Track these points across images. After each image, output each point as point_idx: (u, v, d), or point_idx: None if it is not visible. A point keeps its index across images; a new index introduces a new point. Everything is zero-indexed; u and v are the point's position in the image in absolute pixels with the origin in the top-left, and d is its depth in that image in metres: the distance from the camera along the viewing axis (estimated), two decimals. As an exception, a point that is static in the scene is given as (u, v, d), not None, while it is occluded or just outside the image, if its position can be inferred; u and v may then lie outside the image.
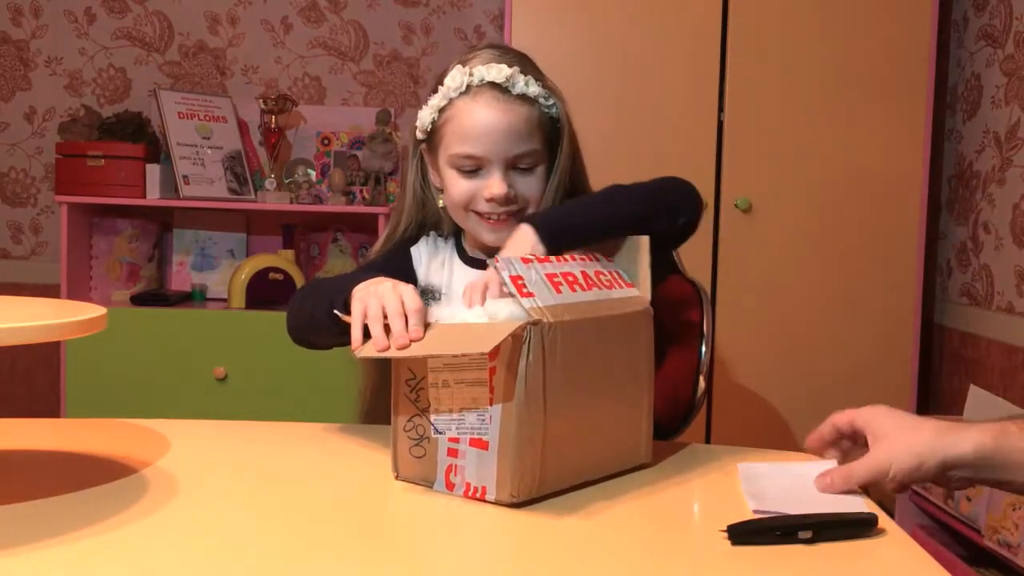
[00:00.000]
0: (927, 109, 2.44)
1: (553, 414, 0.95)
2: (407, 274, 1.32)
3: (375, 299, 1.03)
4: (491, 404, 0.93)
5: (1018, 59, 2.33)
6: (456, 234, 1.37)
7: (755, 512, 0.94)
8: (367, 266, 1.36)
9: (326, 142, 2.77)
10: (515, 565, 0.83)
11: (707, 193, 2.42)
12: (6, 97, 2.84)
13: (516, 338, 0.91)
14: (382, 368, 1.34)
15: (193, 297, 2.71)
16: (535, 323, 0.92)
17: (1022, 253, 2.29)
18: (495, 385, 0.93)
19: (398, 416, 1.02)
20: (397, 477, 1.03)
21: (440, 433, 0.98)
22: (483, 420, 0.94)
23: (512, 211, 1.26)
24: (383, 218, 2.54)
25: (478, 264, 1.33)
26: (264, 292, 2.52)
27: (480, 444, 0.94)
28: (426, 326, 1.01)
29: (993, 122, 2.44)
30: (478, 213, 1.27)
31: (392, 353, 0.98)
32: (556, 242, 1.12)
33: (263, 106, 2.64)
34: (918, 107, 2.44)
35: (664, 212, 1.20)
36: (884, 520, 0.93)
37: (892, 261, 2.45)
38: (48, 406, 2.81)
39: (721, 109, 2.43)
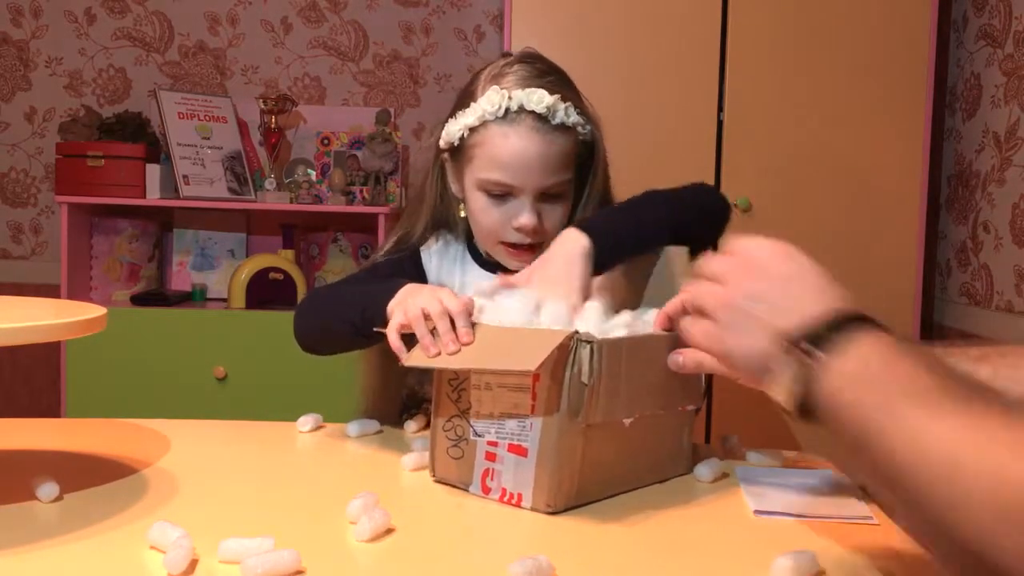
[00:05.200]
0: (927, 109, 2.43)
1: (594, 426, 0.93)
2: (418, 276, 1.31)
3: (414, 305, 1.02)
4: (533, 412, 0.92)
5: (1018, 59, 2.33)
6: (469, 236, 1.35)
7: (756, 512, 0.95)
8: (373, 268, 1.34)
9: (326, 142, 2.77)
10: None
11: (707, 193, 2.42)
12: (6, 97, 2.84)
13: (562, 349, 0.90)
14: (382, 369, 1.34)
15: (193, 297, 2.71)
16: (580, 335, 0.91)
17: (1022, 253, 2.29)
18: (538, 393, 0.91)
19: (438, 416, 1.00)
20: (434, 477, 1.02)
21: (479, 436, 0.96)
22: (523, 427, 0.93)
23: (537, 242, 1.23)
24: (383, 218, 2.54)
25: (492, 267, 1.32)
26: (264, 292, 2.52)
27: (519, 451, 0.93)
28: (472, 325, 1.00)
29: (993, 122, 2.44)
30: (504, 243, 1.25)
31: (441, 362, 0.96)
32: (605, 241, 1.10)
33: (263, 106, 2.64)
34: (918, 107, 2.43)
35: (702, 216, 1.21)
36: (884, 520, 0.94)
37: (892, 261, 2.45)
38: (48, 406, 2.81)
39: (721, 109, 2.43)
